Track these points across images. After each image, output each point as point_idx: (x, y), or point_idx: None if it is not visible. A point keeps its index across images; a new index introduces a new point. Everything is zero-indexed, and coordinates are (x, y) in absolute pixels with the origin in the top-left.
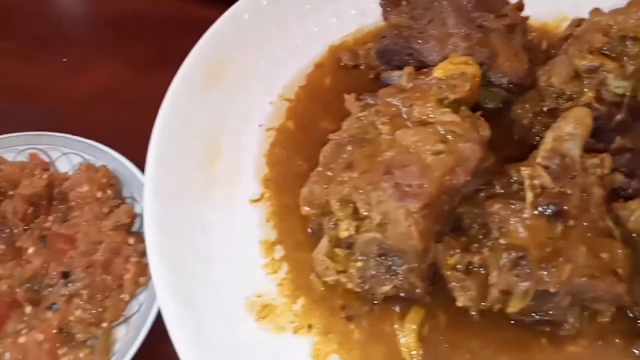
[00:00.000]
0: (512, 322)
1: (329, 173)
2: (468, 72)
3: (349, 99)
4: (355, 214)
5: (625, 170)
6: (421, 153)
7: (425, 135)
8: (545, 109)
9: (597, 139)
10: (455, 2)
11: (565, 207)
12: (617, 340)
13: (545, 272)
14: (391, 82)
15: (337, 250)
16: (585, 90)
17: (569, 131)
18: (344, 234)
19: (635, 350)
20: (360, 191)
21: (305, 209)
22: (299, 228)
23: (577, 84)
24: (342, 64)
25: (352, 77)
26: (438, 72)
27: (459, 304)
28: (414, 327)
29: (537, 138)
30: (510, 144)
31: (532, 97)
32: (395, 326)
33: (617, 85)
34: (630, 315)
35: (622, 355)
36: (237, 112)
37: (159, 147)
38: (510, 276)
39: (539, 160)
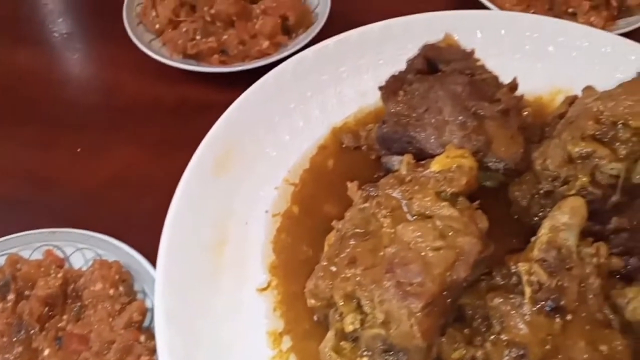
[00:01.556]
0: None
1: (333, 268)
2: (465, 165)
3: (351, 188)
4: (360, 308)
5: (624, 249)
6: (421, 249)
7: (425, 231)
8: (541, 191)
9: (594, 220)
10: (451, 92)
11: (563, 302)
12: None
13: None
14: (392, 167)
15: (343, 343)
16: (580, 175)
17: (565, 221)
18: (349, 328)
19: None
20: (364, 288)
21: (312, 302)
22: (305, 316)
23: (572, 167)
24: (344, 145)
25: (354, 158)
26: (435, 165)
27: None
28: None
29: (536, 219)
30: (509, 223)
31: (528, 179)
32: None
33: (611, 167)
34: None
35: None
36: (244, 198)
37: (170, 240)
38: None
39: (535, 253)
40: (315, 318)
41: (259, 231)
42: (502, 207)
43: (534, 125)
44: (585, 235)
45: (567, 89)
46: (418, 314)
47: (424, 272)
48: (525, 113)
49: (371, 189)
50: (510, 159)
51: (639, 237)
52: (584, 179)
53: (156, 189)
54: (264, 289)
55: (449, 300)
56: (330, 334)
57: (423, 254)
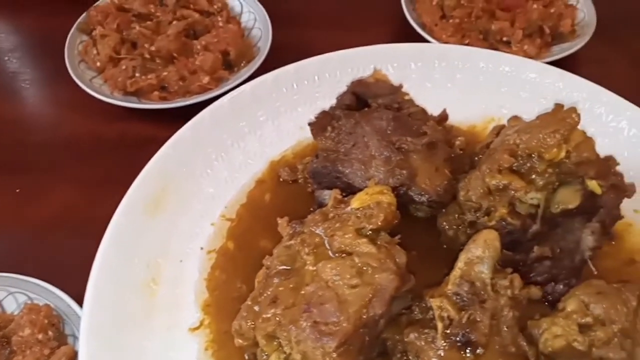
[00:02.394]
0: None
1: (256, 308)
2: (383, 201)
3: (281, 223)
4: (282, 347)
5: (548, 276)
6: (338, 288)
7: (343, 268)
8: (466, 221)
9: (515, 250)
10: (376, 127)
11: (473, 337)
12: None
13: None
14: (324, 201)
15: None
16: (498, 206)
17: (479, 255)
18: None
19: None
20: (283, 328)
21: (239, 341)
22: (236, 355)
23: (493, 198)
24: (281, 179)
25: (291, 191)
26: (355, 203)
27: None
28: None
29: (462, 248)
30: (441, 252)
31: (454, 210)
32: None
33: (530, 197)
34: None
35: None
36: (180, 236)
37: (97, 282)
38: None
39: (449, 287)
40: (245, 357)
41: (193, 269)
42: (434, 236)
43: (464, 155)
44: (508, 264)
45: (499, 117)
46: (333, 354)
47: (339, 311)
48: (458, 143)
49: (297, 226)
50: (433, 192)
51: (562, 265)
52: (503, 210)
53: (94, 230)
54: (196, 329)
55: (367, 337)
56: None
57: (340, 292)
